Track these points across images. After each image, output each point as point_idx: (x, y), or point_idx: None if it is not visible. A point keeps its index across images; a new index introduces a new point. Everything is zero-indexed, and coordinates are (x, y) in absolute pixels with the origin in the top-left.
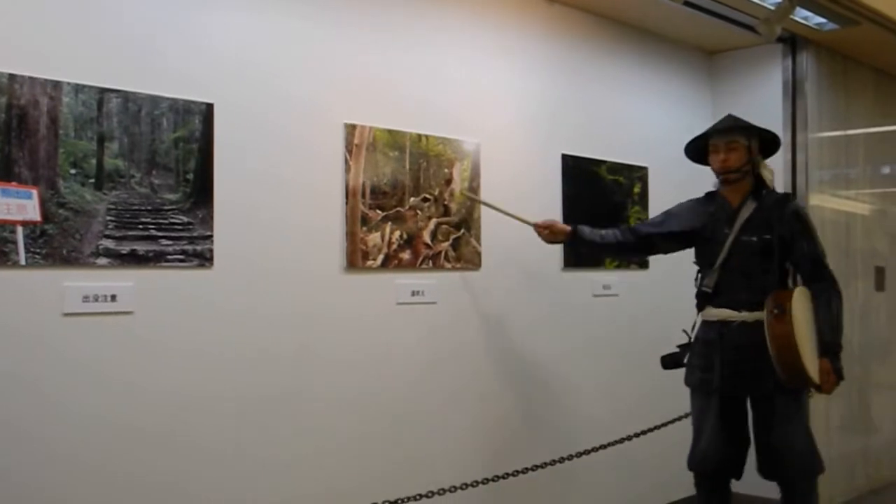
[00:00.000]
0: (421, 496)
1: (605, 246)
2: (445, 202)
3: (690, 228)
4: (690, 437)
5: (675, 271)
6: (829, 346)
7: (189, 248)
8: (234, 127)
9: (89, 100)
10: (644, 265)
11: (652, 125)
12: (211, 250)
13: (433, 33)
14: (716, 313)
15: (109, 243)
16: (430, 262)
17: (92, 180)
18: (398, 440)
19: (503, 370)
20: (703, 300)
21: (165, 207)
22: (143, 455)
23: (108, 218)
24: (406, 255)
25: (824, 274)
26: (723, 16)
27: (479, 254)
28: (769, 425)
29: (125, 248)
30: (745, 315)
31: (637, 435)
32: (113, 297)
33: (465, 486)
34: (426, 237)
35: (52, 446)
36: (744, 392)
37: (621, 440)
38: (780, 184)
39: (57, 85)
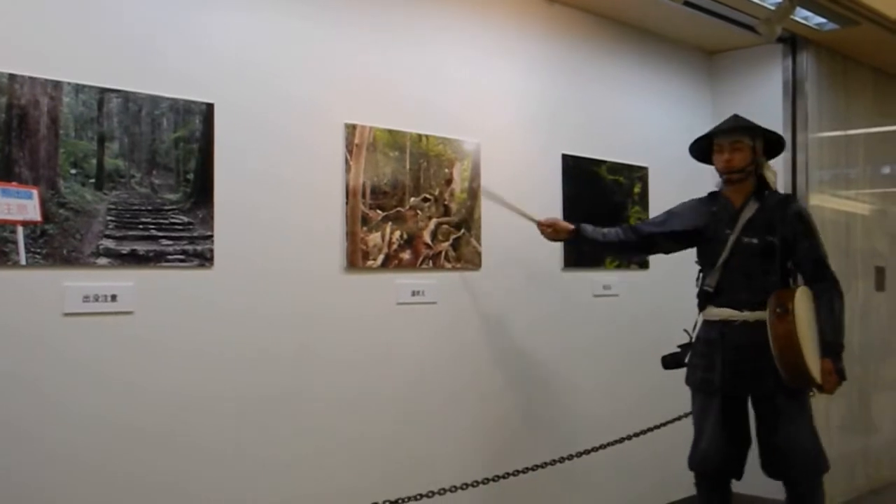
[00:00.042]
0: (421, 496)
1: (607, 244)
2: (446, 202)
3: (692, 228)
4: (691, 437)
5: (676, 271)
6: (832, 347)
7: (189, 248)
8: (234, 127)
9: (90, 100)
10: (644, 265)
11: (652, 125)
12: (211, 250)
13: (433, 33)
14: (717, 313)
15: (110, 243)
16: (431, 262)
17: (92, 180)
18: (398, 440)
19: (503, 370)
20: (704, 300)
21: (166, 207)
22: (143, 455)
23: (109, 218)
24: (406, 255)
25: (826, 274)
26: (723, 16)
27: (479, 254)
28: (772, 426)
29: (125, 248)
30: (747, 315)
31: (637, 435)
32: (113, 297)
33: (465, 485)
34: (426, 237)
35: (52, 446)
36: (745, 392)
37: (621, 440)
38: (780, 184)
39: (57, 85)
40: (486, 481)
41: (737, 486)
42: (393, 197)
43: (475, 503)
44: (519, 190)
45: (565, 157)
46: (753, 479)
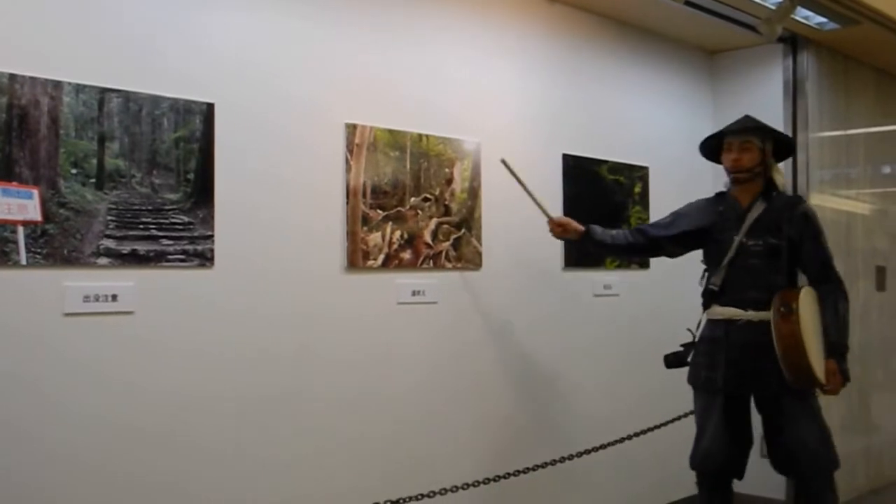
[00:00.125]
0: (422, 496)
1: (614, 247)
2: (446, 202)
3: (699, 227)
4: (691, 436)
5: (676, 271)
6: (836, 347)
7: (190, 247)
8: (234, 127)
9: (90, 100)
10: (645, 265)
11: (653, 125)
12: (212, 250)
13: (434, 33)
14: (722, 312)
15: (110, 243)
16: (431, 261)
17: (93, 180)
18: (398, 440)
19: (504, 370)
20: (709, 298)
21: (166, 207)
22: (143, 455)
23: (109, 218)
24: (407, 255)
25: (831, 275)
26: (724, 15)
27: (479, 253)
28: (778, 426)
29: (126, 247)
30: (751, 314)
31: (637, 434)
32: (114, 297)
33: (465, 485)
34: (427, 237)
35: (52, 446)
36: (747, 391)
37: (622, 440)
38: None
39: (58, 85)
40: (486, 481)
41: (738, 486)
42: (393, 197)
43: (475, 503)
44: (519, 190)
45: (566, 157)
46: (754, 478)
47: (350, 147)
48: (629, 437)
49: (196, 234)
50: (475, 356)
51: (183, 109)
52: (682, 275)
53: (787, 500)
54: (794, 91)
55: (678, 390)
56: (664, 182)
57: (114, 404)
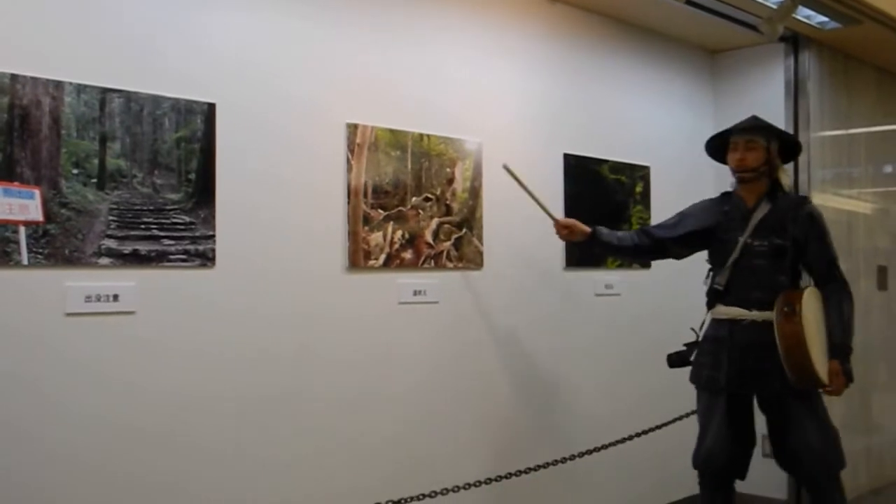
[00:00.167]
0: (423, 496)
1: (620, 248)
2: (447, 202)
3: (705, 227)
4: (692, 436)
5: (677, 271)
6: (840, 348)
7: (191, 247)
8: (236, 127)
9: (91, 100)
10: (646, 264)
11: (654, 124)
12: (213, 250)
13: (434, 33)
14: (726, 311)
15: (111, 243)
16: (432, 261)
17: (94, 180)
18: (399, 440)
19: (505, 370)
20: (713, 298)
21: (167, 207)
22: (143, 455)
23: (111, 218)
24: (408, 255)
25: (836, 276)
26: (725, 15)
27: (480, 253)
28: (782, 427)
29: (127, 247)
30: (756, 314)
31: (638, 435)
32: (115, 297)
33: (466, 485)
34: (428, 237)
35: (52, 446)
36: (750, 391)
37: (622, 440)
38: None
39: (59, 85)
40: (487, 481)
41: (739, 486)
42: (395, 196)
43: (476, 503)
44: (521, 189)
45: (567, 157)
46: (756, 478)
47: (351, 147)
48: (630, 438)
49: (197, 234)
50: (476, 356)
51: (184, 109)
52: (684, 274)
53: (789, 500)
54: (796, 90)
55: (679, 390)
56: (665, 181)
57: (114, 404)
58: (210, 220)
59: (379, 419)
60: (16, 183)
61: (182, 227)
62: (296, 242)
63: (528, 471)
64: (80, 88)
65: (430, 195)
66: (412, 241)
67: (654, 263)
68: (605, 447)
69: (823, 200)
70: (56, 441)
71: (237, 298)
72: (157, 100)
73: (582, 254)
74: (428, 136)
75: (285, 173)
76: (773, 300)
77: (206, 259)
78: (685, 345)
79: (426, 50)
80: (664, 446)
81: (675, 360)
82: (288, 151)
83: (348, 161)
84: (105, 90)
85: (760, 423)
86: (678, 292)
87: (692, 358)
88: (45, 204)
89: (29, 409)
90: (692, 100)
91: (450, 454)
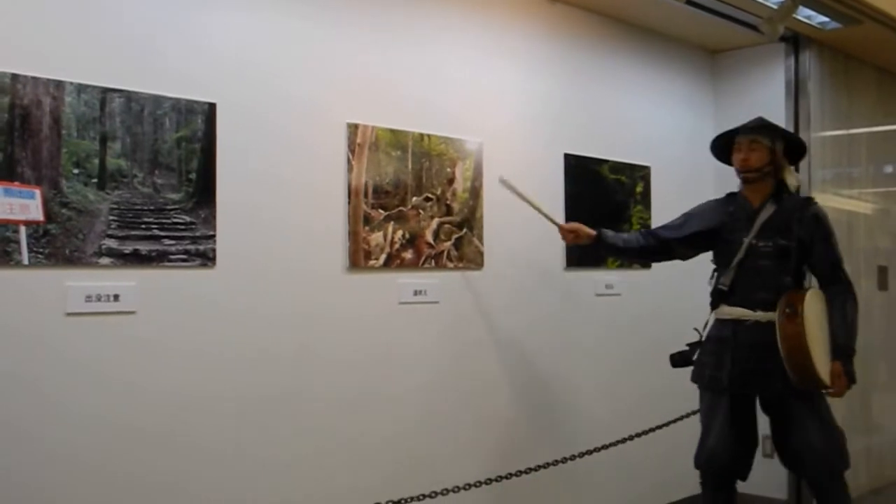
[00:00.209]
0: (423, 496)
1: (626, 250)
2: (448, 202)
3: (710, 227)
4: (693, 437)
5: (678, 271)
6: (842, 349)
7: (192, 247)
8: (236, 127)
9: (92, 100)
10: (646, 265)
11: (654, 124)
12: (213, 250)
13: (435, 33)
14: (730, 312)
15: (112, 243)
16: (433, 261)
17: (95, 180)
18: (399, 440)
19: (505, 370)
20: (718, 298)
21: (168, 207)
22: (143, 455)
23: (111, 218)
24: (408, 255)
25: (841, 277)
26: (726, 15)
27: (481, 253)
28: (786, 429)
29: (128, 247)
30: (759, 315)
31: (639, 435)
32: (115, 297)
33: (467, 486)
34: (429, 237)
35: (52, 446)
36: (753, 391)
37: (623, 440)
38: None
39: (60, 85)
40: (487, 481)
41: (740, 486)
42: (395, 196)
43: (476, 503)
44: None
45: (567, 157)
46: (757, 478)
47: (352, 147)
48: (630, 438)
49: (198, 233)
50: (476, 356)
51: (185, 109)
52: (684, 274)
53: (789, 500)
54: (796, 90)
55: (679, 390)
56: (666, 181)
57: (114, 404)
58: (210, 220)
59: (379, 419)
60: (16, 183)
61: (182, 226)
62: (296, 242)
63: (528, 471)
64: (81, 88)
65: (430, 195)
66: (413, 241)
67: (654, 263)
68: (605, 447)
69: (824, 200)
70: (56, 441)
71: (238, 298)
72: (157, 100)
73: (582, 254)
74: (428, 136)
75: (286, 173)
76: (778, 301)
77: (207, 259)
78: (688, 345)
79: (427, 50)
80: (664, 446)
81: (679, 360)
82: (288, 151)
83: (349, 161)
84: (105, 90)
85: (762, 423)
86: (678, 292)
87: (695, 357)
88: (46, 204)
89: (29, 409)
90: (692, 100)
91: (450, 454)
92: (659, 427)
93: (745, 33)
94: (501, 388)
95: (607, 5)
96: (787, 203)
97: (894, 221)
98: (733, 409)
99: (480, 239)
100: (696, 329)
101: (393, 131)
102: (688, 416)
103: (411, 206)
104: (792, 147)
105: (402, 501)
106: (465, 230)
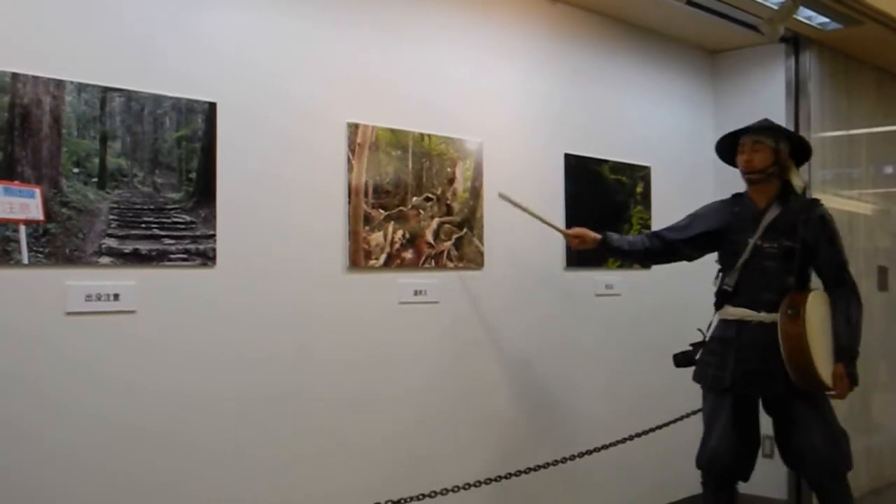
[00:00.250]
0: (423, 496)
1: (632, 252)
2: (448, 201)
3: (716, 228)
4: (693, 437)
5: (678, 271)
6: (845, 351)
7: (192, 247)
8: (236, 126)
9: (92, 99)
10: (646, 265)
11: (654, 125)
12: (214, 249)
13: (435, 32)
14: (734, 312)
15: (112, 242)
16: (433, 261)
17: (95, 179)
18: (399, 440)
19: (505, 370)
20: (722, 298)
21: (168, 206)
22: (143, 455)
23: (111, 217)
24: (409, 255)
25: (846, 279)
26: (726, 15)
27: (481, 253)
28: (788, 430)
29: (128, 247)
30: (763, 315)
31: (639, 435)
32: (115, 297)
33: (466, 486)
34: (429, 236)
35: (52, 446)
36: (756, 391)
37: (623, 440)
38: None
39: (60, 84)
40: (487, 481)
41: (741, 486)
42: (395, 196)
43: (476, 503)
44: (521, 189)
45: (567, 157)
46: (756, 478)
47: (352, 146)
48: (630, 438)
49: (198, 233)
50: (477, 356)
51: (185, 109)
52: (684, 275)
53: (789, 500)
54: (797, 91)
55: (680, 390)
56: (666, 181)
57: (114, 404)
58: (210, 220)
59: (379, 419)
60: (16, 182)
61: (182, 226)
62: (296, 242)
63: (528, 471)
64: (81, 87)
65: (430, 195)
66: (413, 240)
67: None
68: (605, 447)
69: (824, 201)
70: (56, 441)
71: (237, 298)
72: (157, 99)
73: (582, 254)
74: (429, 135)
75: (286, 173)
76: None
77: (207, 258)
78: (691, 345)
79: (427, 50)
80: (664, 446)
81: (682, 360)
82: (288, 151)
83: (349, 161)
84: (106, 89)
85: (764, 424)
86: (679, 293)
87: (697, 357)
88: (46, 203)
89: (29, 409)
90: (692, 100)
91: (450, 454)
92: (659, 427)
93: (745, 33)
94: (501, 388)
95: (607, 5)
96: (793, 204)
97: (894, 222)
98: (736, 410)
99: (480, 239)
100: (699, 329)
101: (393, 131)
102: (688, 416)
103: (411, 205)
104: (798, 149)
105: (402, 501)
106: (465, 230)
